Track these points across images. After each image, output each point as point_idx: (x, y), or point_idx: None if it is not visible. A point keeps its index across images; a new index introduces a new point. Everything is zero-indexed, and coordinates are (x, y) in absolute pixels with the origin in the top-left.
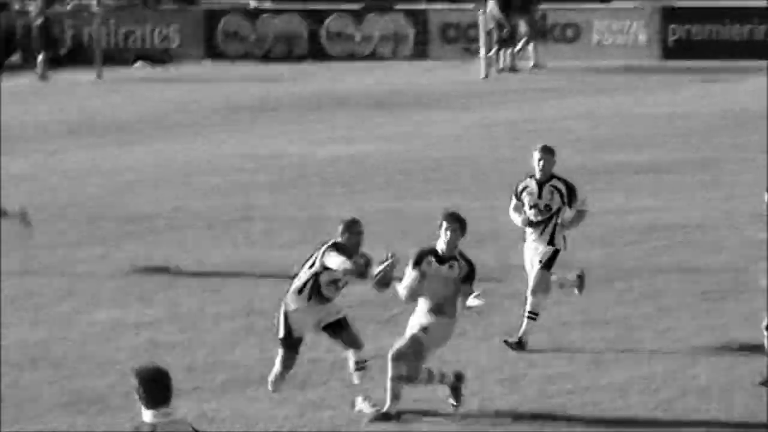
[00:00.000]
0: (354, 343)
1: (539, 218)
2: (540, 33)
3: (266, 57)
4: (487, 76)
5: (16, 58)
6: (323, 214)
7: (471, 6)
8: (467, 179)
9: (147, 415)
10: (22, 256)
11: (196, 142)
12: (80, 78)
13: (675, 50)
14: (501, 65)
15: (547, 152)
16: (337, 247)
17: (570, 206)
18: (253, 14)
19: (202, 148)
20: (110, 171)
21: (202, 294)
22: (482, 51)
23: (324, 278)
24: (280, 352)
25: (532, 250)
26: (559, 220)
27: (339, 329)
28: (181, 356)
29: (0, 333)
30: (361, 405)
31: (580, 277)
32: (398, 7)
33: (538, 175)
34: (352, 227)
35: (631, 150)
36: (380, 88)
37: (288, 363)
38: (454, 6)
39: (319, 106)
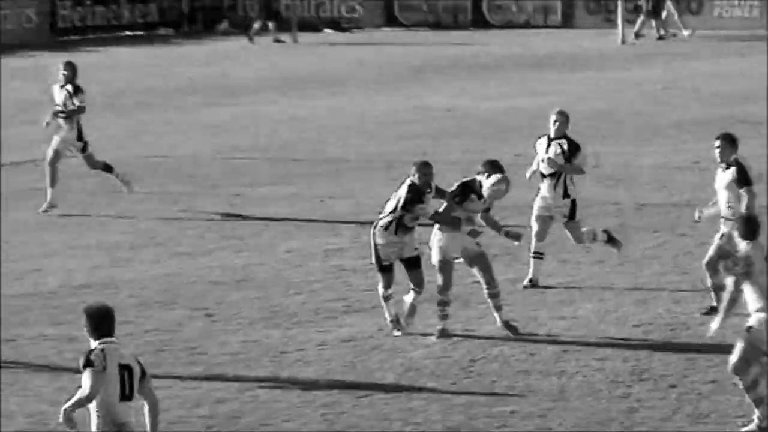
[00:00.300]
0: (418, 283)
1: (550, 171)
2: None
3: (437, 25)
4: (623, 42)
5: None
6: (483, 158)
7: None
8: (605, 128)
9: (94, 344)
10: (226, 194)
11: (377, 96)
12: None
13: None
14: (643, 32)
15: (562, 115)
16: (411, 188)
17: (570, 161)
18: None
19: (381, 101)
20: (303, 120)
21: None
22: (619, 20)
23: (407, 218)
24: (379, 275)
25: (543, 200)
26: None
27: (410, 266)
28: (363, 279)
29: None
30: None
31: (606, 232)
32: None
33: (552, 134)
34: (422, 169)
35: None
36: (532, 52)
37: (387, 283)
38: None
39: (482, 68)
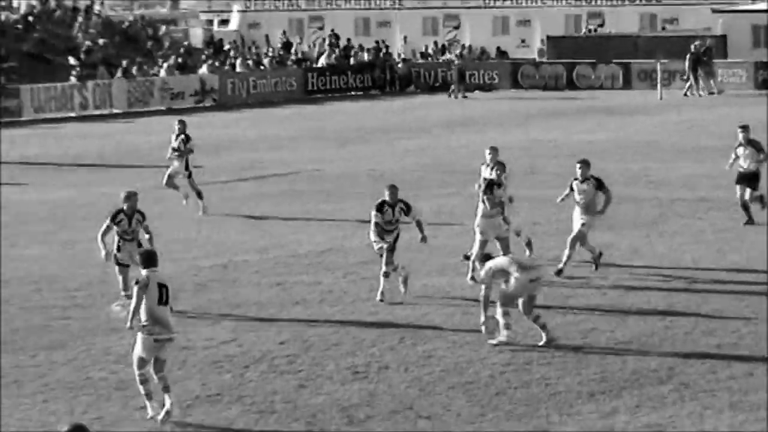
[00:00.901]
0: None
1: (582, 201)
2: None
3: (544, 87)
4: (661, 98)
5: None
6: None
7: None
8: (652, 151)
9: (143, 272)
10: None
11: (513, 130)
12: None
13: None
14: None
15: (585, 164)
16: (378, 204)
17: (601, 191)
18: None
19: (516, 134)
20: (471, 145)
21: None
22: (659, 85)
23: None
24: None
25: (577, 218)
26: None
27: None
28: None
29: None
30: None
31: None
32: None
33: (579, 177)
34: (391, 189)
35: None
36: (605, 104)
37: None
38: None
39: (572, 113)
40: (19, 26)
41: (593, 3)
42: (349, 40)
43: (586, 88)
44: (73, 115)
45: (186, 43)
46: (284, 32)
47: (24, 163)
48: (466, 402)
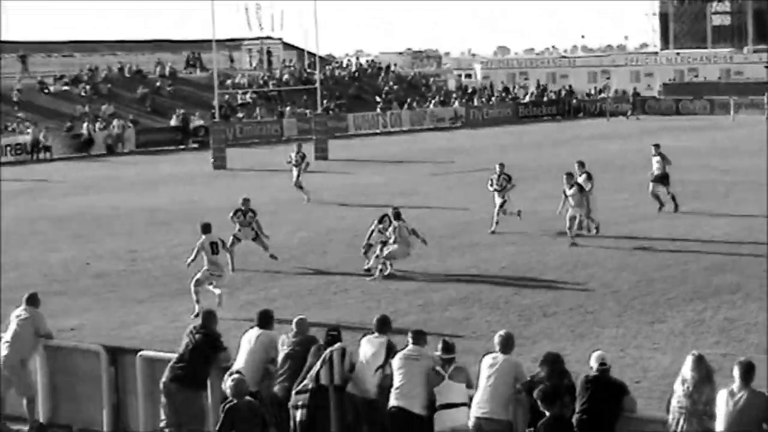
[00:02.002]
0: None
1: (573, 201)
2: None
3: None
4: (733, 120)
5: None
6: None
7: None
8: None
9: (202, 237)
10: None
11: (643, 139)
12: None
13: None
14: None
15: (569, 175)
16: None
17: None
18: None
19: (645, 141)
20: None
21: None
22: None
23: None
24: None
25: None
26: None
27: None
28: None
29: None
30: None
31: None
32: None
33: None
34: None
35: None
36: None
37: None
38: None
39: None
40: (347, 78)
41: (691, 62)
42: (545, 85)
43: (687, 114)
44: (378, 131)
45: (445, 88)
46: (502, 82)
47: (349, 161)
48: (614, 303)
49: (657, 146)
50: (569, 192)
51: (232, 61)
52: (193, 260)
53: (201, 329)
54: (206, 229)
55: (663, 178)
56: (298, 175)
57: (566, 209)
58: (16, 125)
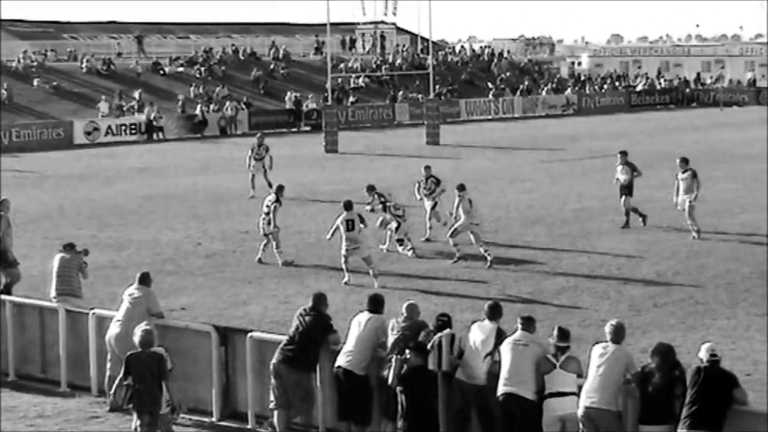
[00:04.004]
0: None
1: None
2: None
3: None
4: None
5: None
6: None
7: None
8: None
9: (344, 213)
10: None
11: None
12: None
13: None
14: None
15: (684, 162)
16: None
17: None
18: None
19: None
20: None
21: None
22: None
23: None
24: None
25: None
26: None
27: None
28: None
29: None
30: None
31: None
32: None
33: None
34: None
35: None
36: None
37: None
38: None
39: None
40: (460, 64)
41: None
42: (658, 73)
43: None
44: (489, 117)
45: (557, 75)
46: (615, 70)
47: (460, 146)
48: (726, 295)
49: (624, 153)
50: (681, 176)
51: (349, 47)
52: (331, 236)
53: (311, 311)
54: (348, 206)
55: (628, 188)
56: (264, 169)
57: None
58: (131, 105)
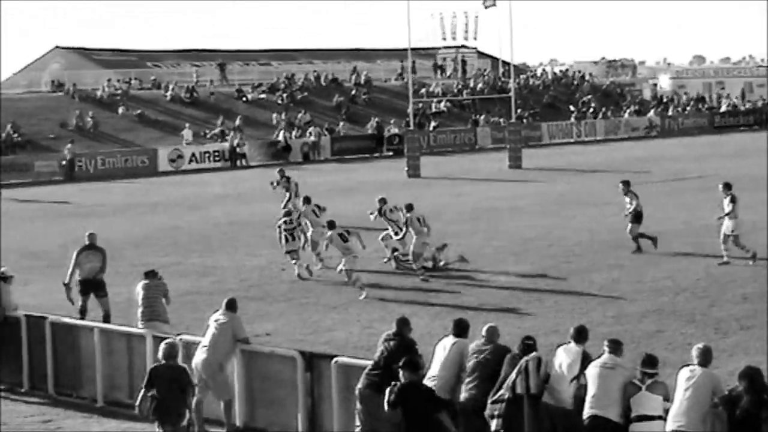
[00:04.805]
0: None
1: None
2: None
3: None
4: None
5: None
6: None
7: None
8: None
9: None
10: None
11: None
12: None
13: None
14: None
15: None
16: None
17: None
18: None
19: None
20: None
21: None
22: None
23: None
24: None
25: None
26: None
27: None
28: None
29: None
30: None
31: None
32: None
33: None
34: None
35: None
36: None
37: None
38: None
39: None
40: (541, 87)
41: None
42: (742, 94)
43: None
44: (572, 140)
45: (640, 97)
46: (697, 92)
47: (543, 170)
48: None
49: (627, 183)
50: (725, 201)
51: (434, 72)
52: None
53: (395, 336)
54: (331, 225)
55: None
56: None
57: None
58: (215, 132)
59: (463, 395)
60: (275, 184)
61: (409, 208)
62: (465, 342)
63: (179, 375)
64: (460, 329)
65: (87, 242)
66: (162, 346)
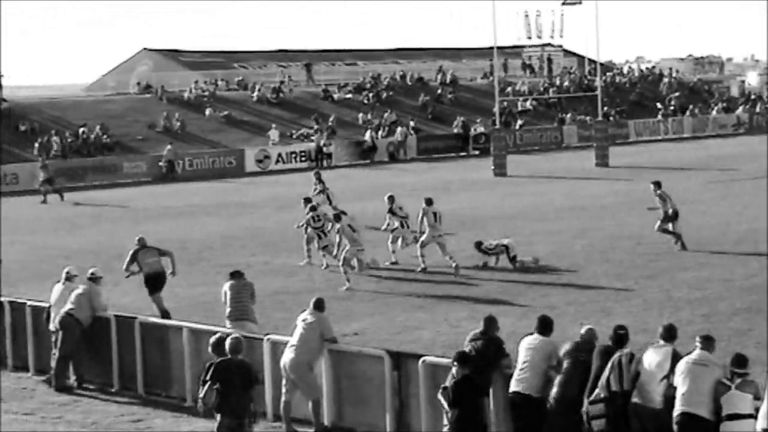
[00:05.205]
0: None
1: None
2: None
3: None
4: None
5: None
6: None
7: None
8: None
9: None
10: None
11: None
12: None
13: None
14: None
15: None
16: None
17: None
18: None
19: None
20: None
21: None
22: None
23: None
24: None
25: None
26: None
27: None
28: None
29: None
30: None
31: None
32: None
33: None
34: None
35: None
36: None
37: None
38: None
39: None
40: (628, 84)
41: None
42: None
43: None
44: (659, 138)
45: (727, 94)
46: None
47: (630, 167)
48: None
49: (657, 184)
50: None
51: (519, 70)
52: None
53: (482, 335)
54: (338, 218)
55: (675, 216)
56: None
57: None
58: (301, 133)
59: (553, 392)
60: (316, 189)
61: (429, 202)
62: (550, 340)
63: (243, 369)
64: (545, 327)
65: (138, 245)
66: (228, 341)
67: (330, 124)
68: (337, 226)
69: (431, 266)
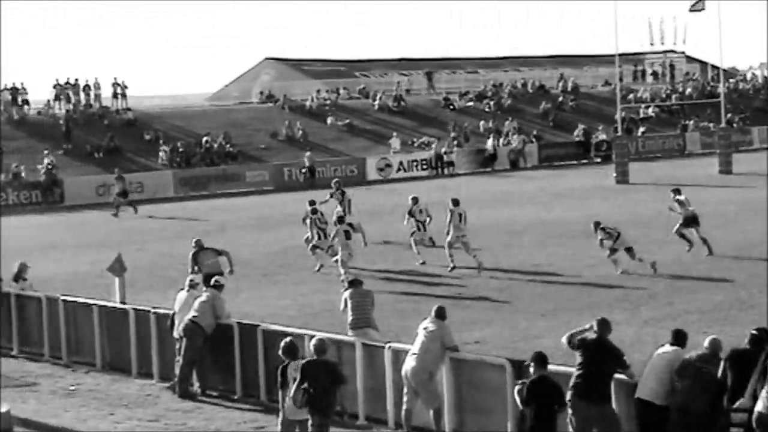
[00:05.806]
0: None
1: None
2: None
3: None
4: None
5: None
6: None
7: None
8: None
9: None
10: None
11: None
12: None
13: None
14: None
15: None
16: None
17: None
18: None
19: None
20: None
21: None
22: None
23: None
24: None
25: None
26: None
27: None
28: None
29: None
30: None
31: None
32: None
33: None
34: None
35: None
36: None
37: None
38: None
39: None
40: (751, 91)
41: None
42: None
43: None
44: None
45: None
46: None
47: (754, 174)
48: None
49: (677, 191)
50: None
51: (639, 78)
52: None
53: (597, 341)
54: (340, 221)
55: (693, 220)
56: (344, 211)
57: None
58: (422, 141)
59: (678, 402)
60: (329, 196)
61: (455, 203)
62: (679, 351)
63: (330, 369)
64: (679, 338)
65: (196, 248)
66: (313, 342)
67: (455, 134)
68: (335, 228)
69: (554, 272)
